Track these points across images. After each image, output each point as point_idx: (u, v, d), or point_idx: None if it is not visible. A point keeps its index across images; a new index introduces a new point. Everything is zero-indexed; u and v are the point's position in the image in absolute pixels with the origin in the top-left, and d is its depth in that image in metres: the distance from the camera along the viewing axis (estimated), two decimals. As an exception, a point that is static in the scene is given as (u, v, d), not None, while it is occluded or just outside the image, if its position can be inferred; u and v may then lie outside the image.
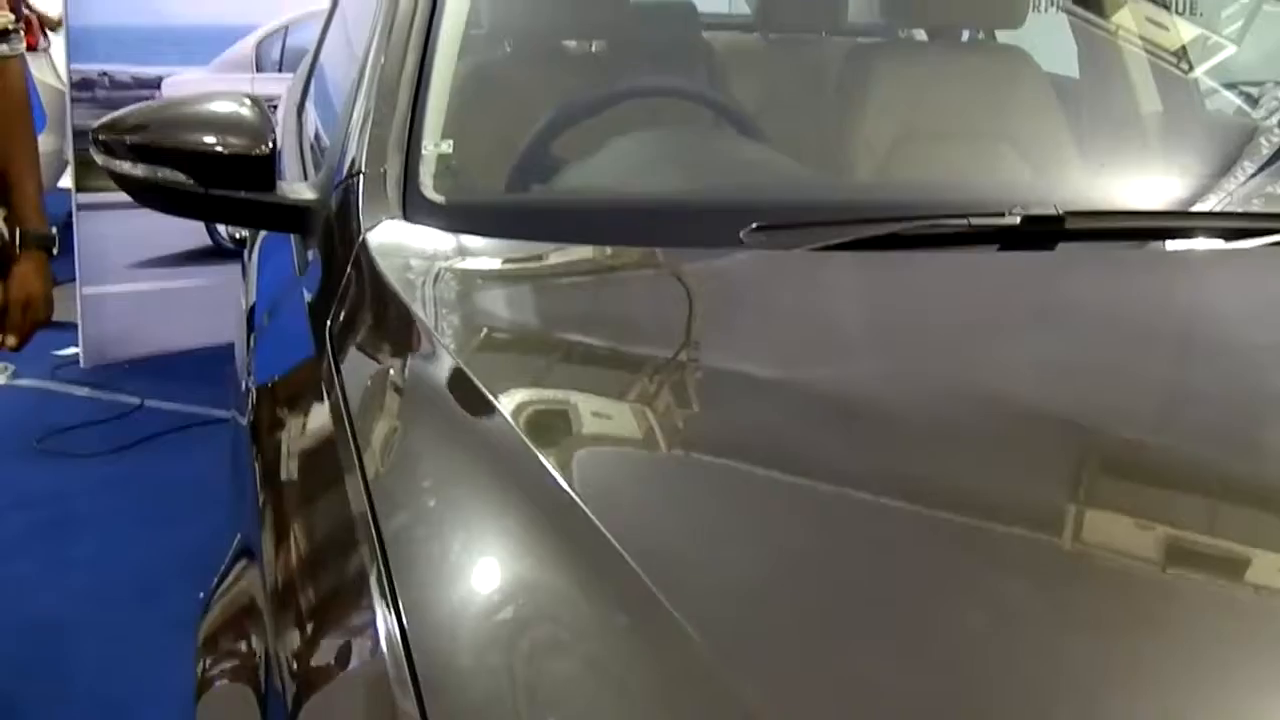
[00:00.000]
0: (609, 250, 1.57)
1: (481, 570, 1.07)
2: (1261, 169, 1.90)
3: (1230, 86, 2.58)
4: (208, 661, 1.32)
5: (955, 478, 1.16)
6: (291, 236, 1.87)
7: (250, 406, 1.65)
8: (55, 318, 2.43)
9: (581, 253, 1.58)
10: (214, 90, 1.91)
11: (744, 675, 0.91)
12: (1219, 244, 1.64)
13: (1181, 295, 1.56)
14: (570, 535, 1.05)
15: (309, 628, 1.14)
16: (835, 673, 0.93)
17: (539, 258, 1.58)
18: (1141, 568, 1.08)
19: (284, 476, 1.41)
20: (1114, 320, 1.48)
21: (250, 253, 2.56)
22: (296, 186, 1.81)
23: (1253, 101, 2.47)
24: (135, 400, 4.47)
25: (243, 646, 1.26)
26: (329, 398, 1.38)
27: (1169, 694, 0.91)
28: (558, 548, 1.05)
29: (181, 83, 4.84)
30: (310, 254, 1.73)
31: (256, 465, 1.48)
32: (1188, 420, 1.27)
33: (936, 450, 1.19)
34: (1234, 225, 1.66)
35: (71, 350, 4.78)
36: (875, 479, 1.15)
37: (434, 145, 1.70)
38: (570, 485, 1.09)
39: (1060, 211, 1.57)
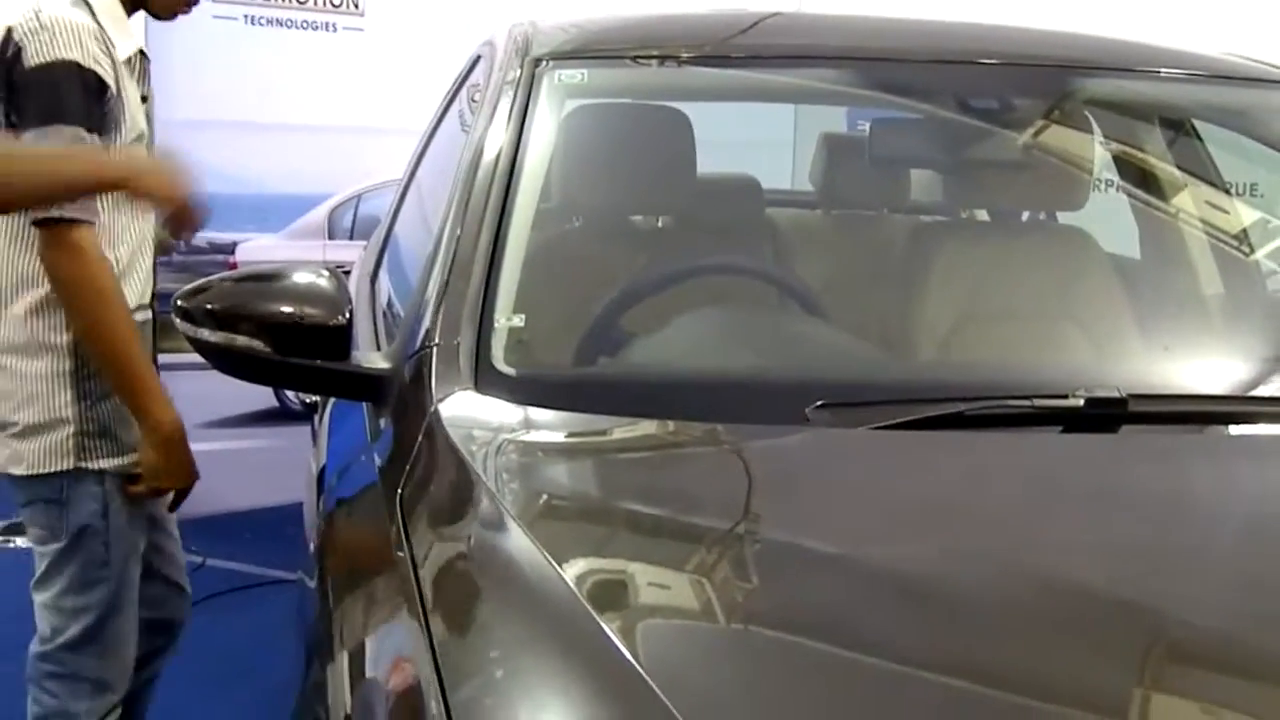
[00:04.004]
0: (673, 425, 1.60)
1: None
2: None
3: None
4: None
5: (1015, 662, 1.16)
6: (364, 404, 1.91)
7: (319, 568, 1.67)
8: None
9: (647, 428, 1.60)
10: (294, 260, 1.97)
11: None
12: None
13: (1245, 482, 1.56)
14: (635, 708, 1.06)
15: None
16: None
17: (605, 432, 1.60)
18: None
19: (352, 640, 1.42)
20: (1177, 506, 1.48)
21: (321, 417, 2.60)
22: (370, 356, 1.85)
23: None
24: (198, 559, 4.51)
25: None
26: (398, 563, 1.40)
27: None
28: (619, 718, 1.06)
29: (256, 249, 4.95)
30: (382, 422, 1.77)
31: (324, 627, 1.50)
32: (1248, 609, 1.26)
33: (996, 634, 1.20)
34: None
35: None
36: (936, 661, 1.15)
37: (506, 318, 1.74)
38: (635, 657, 1.10)
39: (1124, 394, 1.58)
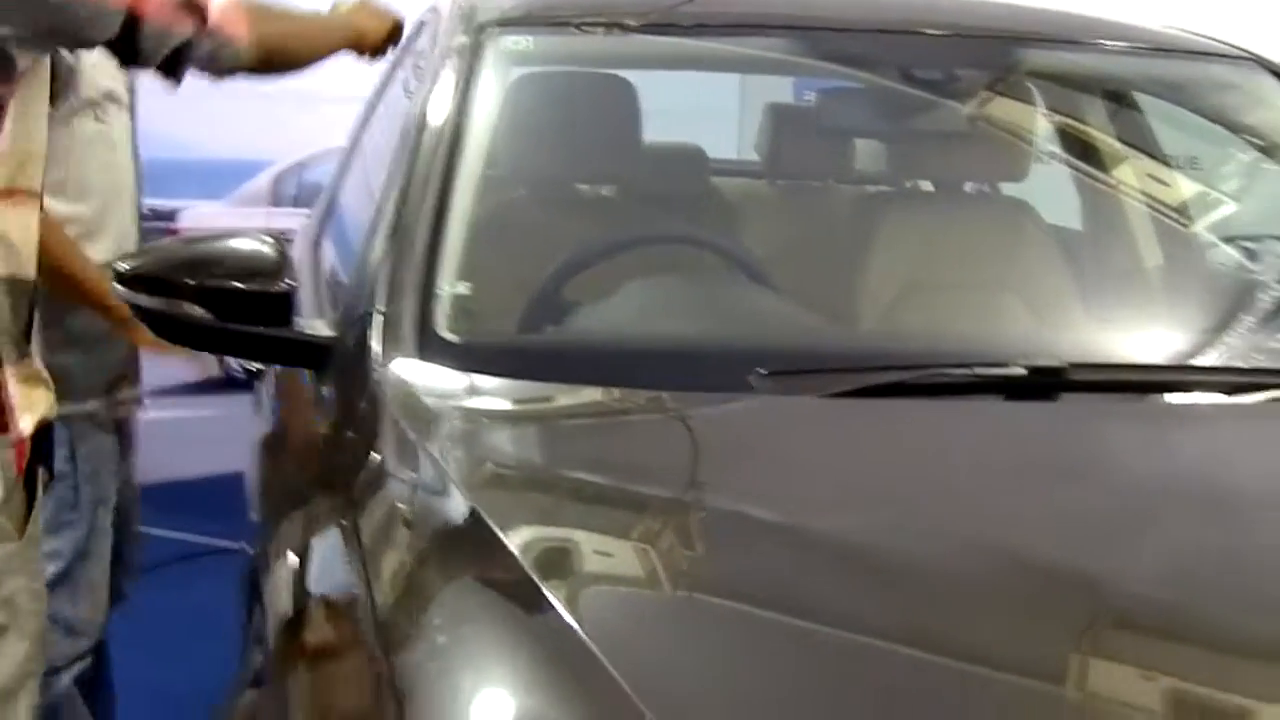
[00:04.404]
0: (617, 393, 1.60)
1: (492, 709, 1.08)
2: (1261, 323, 1.93)
3: (1230, 241, 2.62)
4: None
5: (959, 628, 1.17)
6: (307, 371, 1.90)
7: (263, 540, 1.66)
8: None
9: (591, 395, 1.61)
10: (235, 227, 1.96)
11: None
12: (1220, 398, 1.66)
13: (1182, 449, 1.59)
14: (579, 675, 1.06)
15: None
16: None
17: (550, 399, 1.61)
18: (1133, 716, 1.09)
19: (295, 609, 1.42)
20: (1114, 472, 1.50)
21: (264, 385, 2.59)
22: (314, 323, 1.84)
23: (1252, 256, 2.51)
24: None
25: None
26: (342, 532, 1.40)
27: None
28: (566, 687, 1.06)
29: (199, 216, 4.92)
30: (325, 389, 1.76)
31: (268, 597, 1.50)
32: (1182, 572, 1.29)
33: (939, 600, 1.21)
34: (1235, 380, 1.69)
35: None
36: (881, 628, 1.16)
37: (450, 286, 1.73)
38: (579, 624, 1.11)
39: (1064, 363, 1.60)
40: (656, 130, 2.50)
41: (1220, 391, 1.67)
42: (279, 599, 1.48)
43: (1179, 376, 1.73)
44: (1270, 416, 1.63)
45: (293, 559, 1.54)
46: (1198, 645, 1.19)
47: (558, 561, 1.28)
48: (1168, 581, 1.26)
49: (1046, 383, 1.59)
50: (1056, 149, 2.67)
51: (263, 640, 1.46)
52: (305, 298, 2.45)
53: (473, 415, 1.58)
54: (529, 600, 1.16)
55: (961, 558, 1.29)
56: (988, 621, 1.17)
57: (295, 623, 1.40)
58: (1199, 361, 1.81)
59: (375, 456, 1.51)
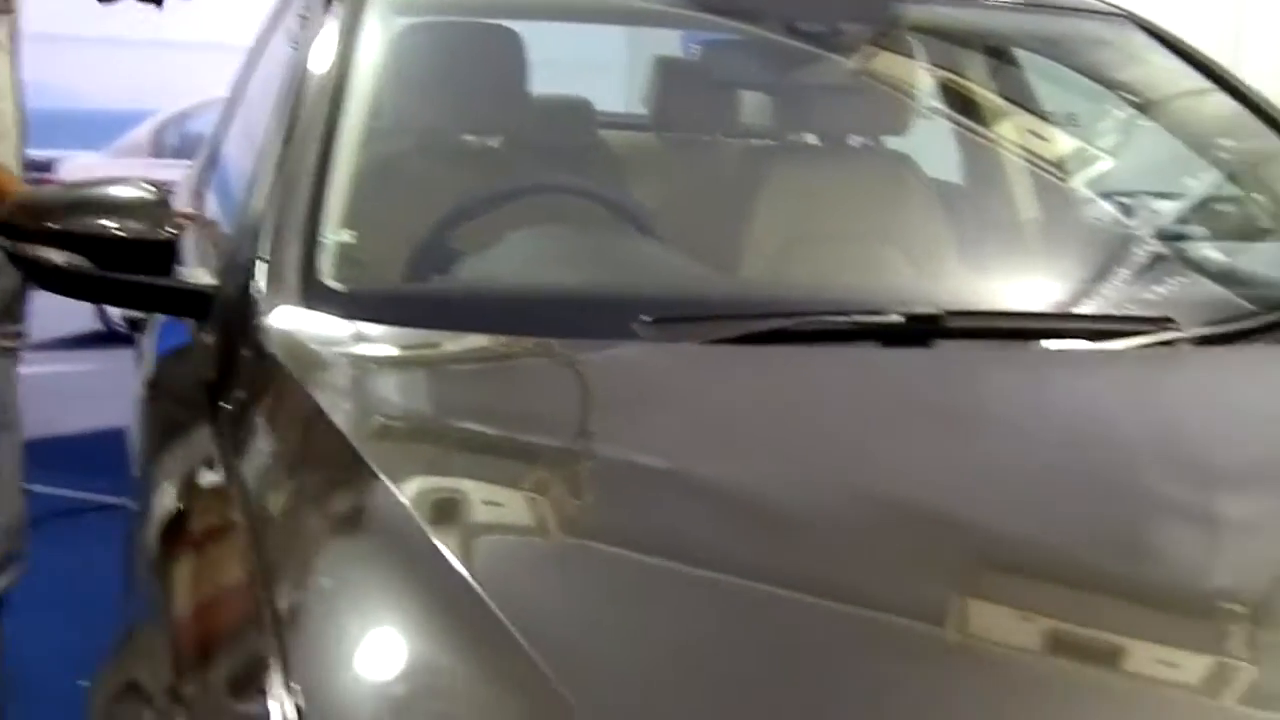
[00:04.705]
0: (503, 340, 1.61)
1: (377, 653, 1.09)
2: (1132, 274, 1.98)
3: (1106, 196, 2.68)
4: None
5: (839, 570, 1.20)
6: (190, 321, 1.88)
7: (145, 492, 1.65)
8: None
9: (476, 342, 1.61)
10: (114, 175, 1.93)
11: None
12: (1090, 345, 1.71)
13: (1054, 393, 1.63)
14: (465, 618, 1.07)
15: (205, 712, 1.15)
16: None
17: (434, 346, 1.61)
18: (1012, 655, 1.13)
19: (179, 562, 1.41)
20: (989, 416, 1.54)
21: (146, 337, 2.56)
22: (196, 271, 1.83)
23: (1128, 211, 2.58)
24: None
25: None
26: (225, 483, 1.39)
27: None
28: (452, 630, 1.08)
29: (78, 167, 4.83)
30: (208, 339, 1.75)
31: (151, 551, 1.49)
32: (1051, 511, 1.33)
33: (818, 541, 1.24)
34: (1103, 327, 1.74)
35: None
36: (763, 572, 1.18)
37: (334, 234, 1.73)
38: (467, 569, 1.12)
39: (940, 311, 1.64)
40: (547, 83, 2.51)
41: (1091, 339, 1.71)
42: (160, 550, 1.47)
43: (1050, 324, 1.78)
44: (1138, 362, 1.68)
45: (174, 509, 1.54)
46: (1074, 586, 1.22)
47: (445, 508, 1.29)
48: (1043, 523, 1.30)
49: (923, 330, 1.63)
50: (937, 103, 2.71)
51: (145, 591, 1.45)
52: (188, 248, 2.43)
53: (358, 362, 1.58)
54: (415, 545, 1.17)
55: (841, 501, 1.32)
56: (869, 564, 1.20)
57: (177, 570, 1.39)
58: (1070, 309, 1.86)
59: (259, 404, 1.51)
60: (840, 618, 1.15)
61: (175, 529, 1.48)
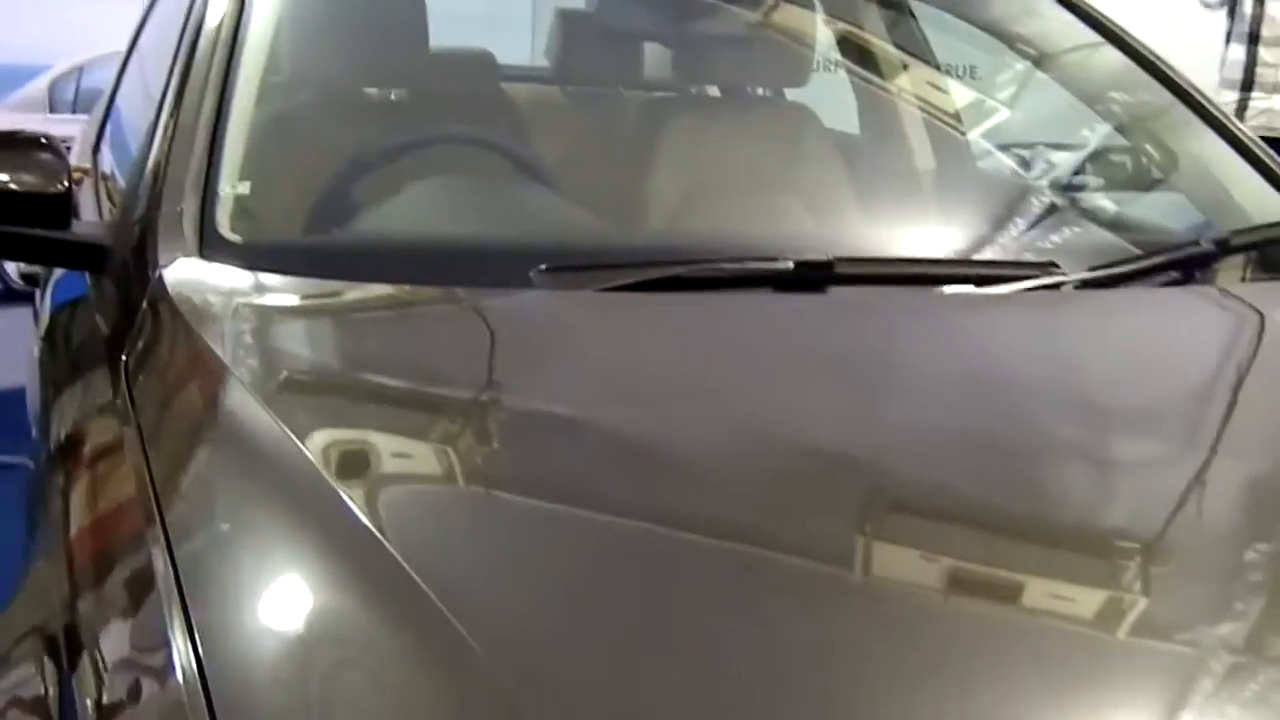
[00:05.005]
0: (401, 288, 1.62)
1: (276, 596, 1.10)
2: (1020, 222, 2.03)
3: (1004, 148, 2.73)
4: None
5: (732, 510, 1.23)
6: (86, 276, 1.88)
7: (45, 448, 1.65)
8: None
9: (374, 290, 1.62)
10: (9, 129, 1.91)
11: (529, 690, 0.96)
12: (976, 289, 1.75)
13: (938, 335, 1.67)
14: (363, 561, 1.09)
15: (105, 660, 1.15)
16: (614, 688, 0.99)
17: (332, 295, 1.62)
18: (909, 593, 1.17)
19: (80, 511, 1.42)
20: (876, 357, 1.58)
21: (43, 294, 2.54)
22: (92, 224, 1.82)
23: (1024, 163, 2.63)
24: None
25: (35, 681, 1.26)
26: (125, 435, 1.40)
27: (931, 700, 1.00)
28: (350, 572, 1.09)
29: (-29, 122, 4.74)
30: (105, 292, 1.74)
31: (52, 504, 1.49)
32: (949, 454, 1.37)
33: (712, 482, 1.27)
34: (989, 272, 1.77)
35: None
36: (660, 516, 1.21)
37: (231, 187, 1.72)
38: (362, 512, 1.14)
39: (830, 257, 1.67)
40: (448, 37, 2.51)
41: (978, 283, 1.75)
42: (60, 501, 1.48)
43: (938, 269, 1.81)
44: (1023, 305, 1.72)
45: (74, 461, 1.54)
46: (966, 524, 1.26)
47: (341, 452, 1.30)
48: (935, 463, 1.34)
49: (814, 276, 1.66)
50: (836, 56, 2.75)
51: (45, 542, 1.46)
52: (85, 203, 2.41)
53: (255, 312, 1.59)
54: (312, 489, 1.19)
55: (736, 444, 1.35)
56: (767, 505, 1.23)
57: (77, 519, 1.40)
58: (959, 255, 1.90)
59: (158, 355, 1.51)
60: (739, 558, 1.18)
61: (76, 481, 1.48)
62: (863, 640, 1.07)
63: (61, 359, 1.97)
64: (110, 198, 2.19)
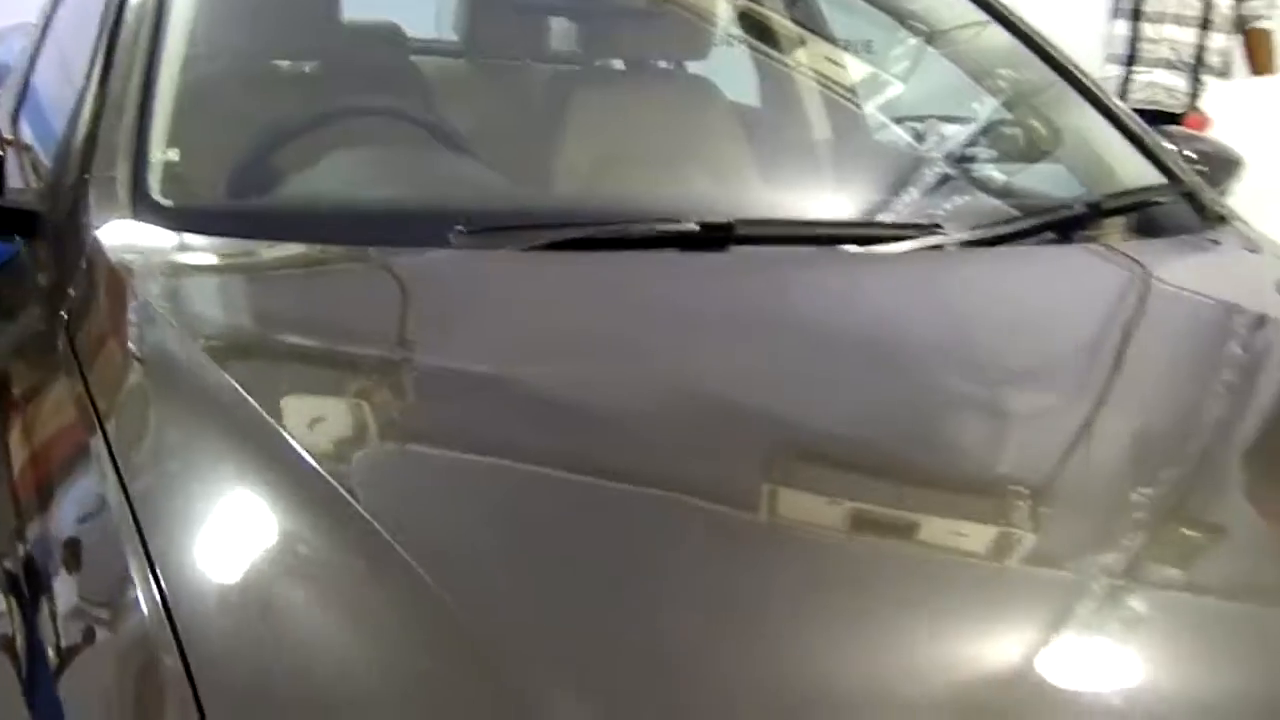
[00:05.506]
0: (325, 247, 1.72)
1: (230, 525, 1.20)
2: (910, 189, 2.15)
3: (898, 121, 2.84)
4: None
5: (642, 458, 1.35)
6: (17, 241, 1.94)
7: None
8: None
9: (298, 250, 1.72)
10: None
11: (465, 606, 1.07)
12: (864, 249, 1.86)
13: (834, 290, 1.80)
14: (303, 488, 1.20)
15: (64, 599, 1.23)
16: (540, 600, 1.12)
17: (259, 254, 1.71)
18: (809, 531, 1.31)
19: (24, 456, 1.49)
20: (774, 309, 1.70)
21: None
22: (22, 191, 1.89)
23: (917, 135, 2.74)
24: None
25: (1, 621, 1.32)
26: (70, 384, 1.47)
27: (832, 621, 1.13)
28: (295, 501, 1.20)
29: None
30: (39, 255, 1.81)
31: (4, 444, 1.55)
32: (853, 407, 1.49)
33: (623, 430, 1.39)
34: (877, 233, 1.90)
35: None
36: (578, 466, 1.33)
37: (161, 153, 1.80)
38: (299, 443, 1.25)
39: (732, 219, 1.79)
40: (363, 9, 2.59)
41: (866, 243, 1.86)
42: (9, 453, 1.55)
43: (829, 230, 1.92)
44: (907, 263, 1.84)
45: (19, 419, 1.61)
46: (867, 472, 1.39)
47: (280, 394, 1.39)
48: (841, 415, 1.47)
49: (716, 236, 1.77)
50: (737, 30, 2.85)
51: None
52: (10, 170, 2.46)
53: (187, 268, 1.68)
54: (254, 430, 1.28)
55: (647, 391, 1.47)
56: (675, 454, 1.35)
57: (22, 468, 1.47)
58: (849, 218, 2.01)
59: (96, 312, 1.59)
60: (647, 499, 1.30)
61: (18, 428, 1.55)
62: (771, 574, 1.18)
63: None
64: (34, 167, 2.25)
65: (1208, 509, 1.40)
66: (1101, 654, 1.13)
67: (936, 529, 1.33)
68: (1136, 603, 1.21)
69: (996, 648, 1.12)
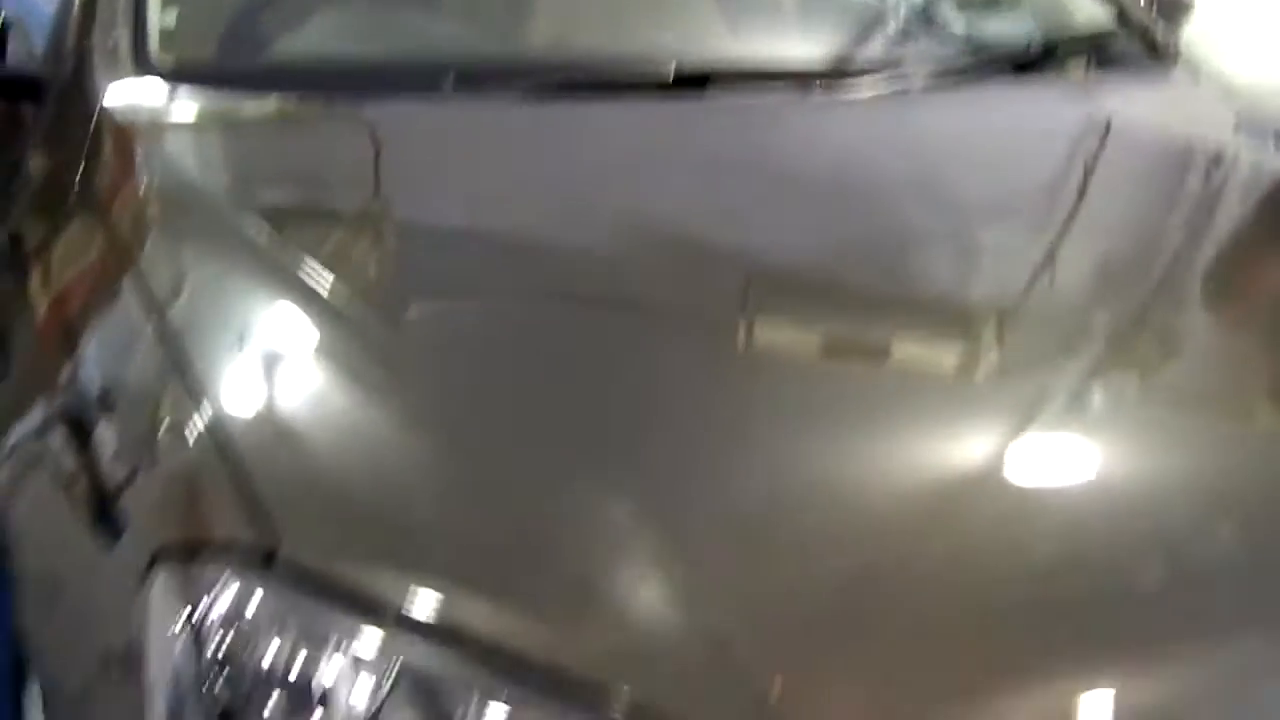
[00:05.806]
0: (320, 98, 1.81)
1: (264, 349, 1.32)
2: (878, 36, 2.23)
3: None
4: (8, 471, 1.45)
5: (628, 289, 1.46)
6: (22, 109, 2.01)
7: (12, 257, 1.80)
8: None
9: (297, 101, 1.82)
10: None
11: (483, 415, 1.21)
12: (833, 92, 1.96)
13: (803, 127, 1.91)
14: (329, 313, 1.32)
15: (120, 424, 1.33)
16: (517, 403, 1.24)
17: (259, 106, 1.82)
18: (785, 353, 1.42)
19: (53, 297, 1.60)
20: (748, 144, 1.81)
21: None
22: (24, 59, 1.96)
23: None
24: None
25: (48, 461, 1.41)
26: (89, 235, 1.58)
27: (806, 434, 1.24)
28: (322, 323, 1.32)
29: None
30: (46, 116, 1.89)
31: (34, 315, 1.64)
32: (824, 241, 1.61)
33: (609, 264, 1.50)
34: (849, 76, 1.99)
35: None
36: (562, 292, 1.45)
37: (159, 15, 1.88)
38: (317, 272, 1.37)
39: (708, 65, 1.90)
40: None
41: (839, 85, 1.96)
42: (47, 308, 1.64)
43: (797, 71, 2.01)
44: (872, 103, 1.94)
45: (35, 262, 1.70)
46: (842, 304, 1.49)
47: (289, 224, 1.54)
48: (813, 245, 1.58)
49: (694, 78, 1.87)
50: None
51: (32, 366, 1.59)
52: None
53: (197, 119, 1.78)
54: (270, 254, 1.42)
55: (610, 219, 1.61)
56: (658, 286, 1.46)
57: (69, 327, 1.54)
58: (817, 62, 2.10)
59: (110, 161, 1.69)
60: (624, 321, 1.42)
61: (40, 275, 1.65)
62: (752, 390, 1.30)
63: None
64: (30, 35, 2.31)
65: (1164, 323, 1.52)
66: (1064, 452, 1.25)
67: (908, 347, 1.44)
68: (1096, 406, 1.33)
69: (966, 446, 1.23)
